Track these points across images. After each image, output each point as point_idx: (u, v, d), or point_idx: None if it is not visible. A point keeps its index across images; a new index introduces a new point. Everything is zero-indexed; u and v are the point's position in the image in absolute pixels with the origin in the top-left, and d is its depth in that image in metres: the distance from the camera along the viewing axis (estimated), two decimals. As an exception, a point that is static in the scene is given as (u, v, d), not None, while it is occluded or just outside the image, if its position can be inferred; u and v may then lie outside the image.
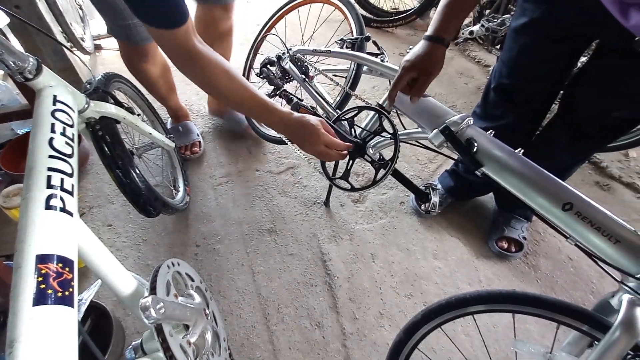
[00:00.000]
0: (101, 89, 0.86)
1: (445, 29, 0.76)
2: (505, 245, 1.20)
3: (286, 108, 0.81)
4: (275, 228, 1.22)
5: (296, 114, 0.80)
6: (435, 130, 0.77)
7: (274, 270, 1.11)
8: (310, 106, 0.98)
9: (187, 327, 0.62)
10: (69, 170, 0.56)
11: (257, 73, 1.18)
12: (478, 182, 1.22)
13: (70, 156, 0.58)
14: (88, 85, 0.90)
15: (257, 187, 1.35)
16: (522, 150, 0.69)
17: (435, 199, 0.95)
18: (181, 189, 1.24)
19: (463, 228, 1.28)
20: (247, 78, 1.46)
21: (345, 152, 0.84)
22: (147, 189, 0.88)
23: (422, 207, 0.94)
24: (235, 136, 1.54)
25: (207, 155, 1.45)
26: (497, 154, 0.70)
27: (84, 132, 0.84)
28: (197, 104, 1.67)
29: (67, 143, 0.59)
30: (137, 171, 0.86)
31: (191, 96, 1.71)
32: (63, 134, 0.60)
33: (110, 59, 1.95)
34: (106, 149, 0.82)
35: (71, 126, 0.63)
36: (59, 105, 0.63)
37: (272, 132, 1.35)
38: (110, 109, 0.83)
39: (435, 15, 0.78)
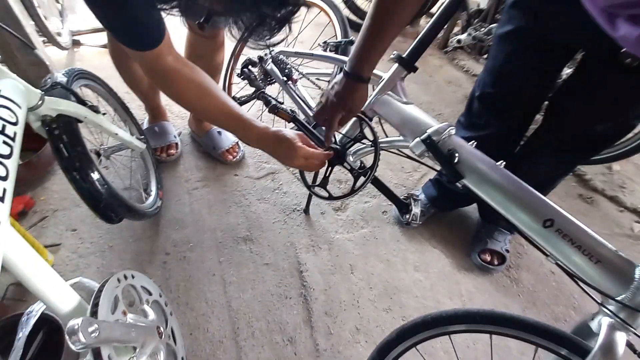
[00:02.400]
0: (61, 86, 0.80)
1: (362, 68, 0.71)
2: (488, 258, 1.17)
3: (264, 110, 0.79)
4: (251, 236, 1.17)
5: (273, 128, 0.78)
6: (417, 139, 0.74)
7: (247, 280, 1.06)
8: (290, 109, 0.94)
9: (135, 348, 0.56)
10: (3, 173, 0.50)
11: (238, 73, 1.14)
12: (461, 193, 1.18)
13: (6, 157, 0.52)
14: (48, 81, 0.84)
15: (234, 193, 1.29)
16: (504, 163, 0.66)
17: (416, 209, 0.92)
18: (153, 192, 1.18)
19: (445, 239, 1.24)
20: (229, 79, 1.41)
21: (325, 161, 0.82)
22: (109, 193, 0.82)
23: (403, 218, 0.90)
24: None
25: (184, 158, 1.39)
26: (479, 166, 0.67)
27: (40, 131, 0.78)
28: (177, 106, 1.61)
29: (4, 142, 0.53)
30: (98, 174, 0.81)
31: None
32: (2, 132, 0.54)
33: (90, 55, 1.87)
34: (63, 149, 0.76)
35: (13, 124, 0.57)
36: (0, 101, 0.57)
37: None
38: (68, 107, 0.77)
39: (353, 49, 0.72)
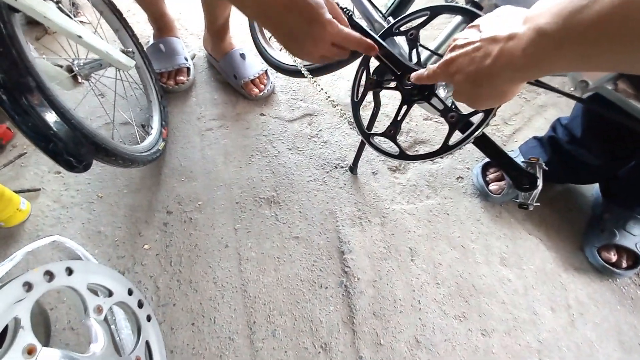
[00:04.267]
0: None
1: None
2: (614, 258, 0.81)
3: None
4: (278, 197, 0.88)
5: None
6: None
7: (269, 258, 0.79)
8: (344, 8, 0.56)
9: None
10: None
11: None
12: (587, 163, 0.79)
13: None
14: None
15: (259, 138, 0.98)
16: None
17: (540, 184, 0.56)
18: (154, 130, 0.89)
19: (548, 223, 0.88)
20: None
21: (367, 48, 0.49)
22: (63, 126, 0.54)
23: (520, 197, 0.56)
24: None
25: (197, 89, 1.08)
26: None
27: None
28: (192, 20, 1.25)
29: None
30: (41, 97, 0.51)
31: (184, 11, 1.28)
32: None
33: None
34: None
35: None
36: None
37: (284, 58, 0.94)
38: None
39: None
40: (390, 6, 0.65)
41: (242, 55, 1.05)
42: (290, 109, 1.05)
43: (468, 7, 0.48)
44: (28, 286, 0.32)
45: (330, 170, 0.93)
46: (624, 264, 0.81)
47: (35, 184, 0.86)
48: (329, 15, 0.45)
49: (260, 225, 0.83)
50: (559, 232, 0.87)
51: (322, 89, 0.71)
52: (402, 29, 0.56)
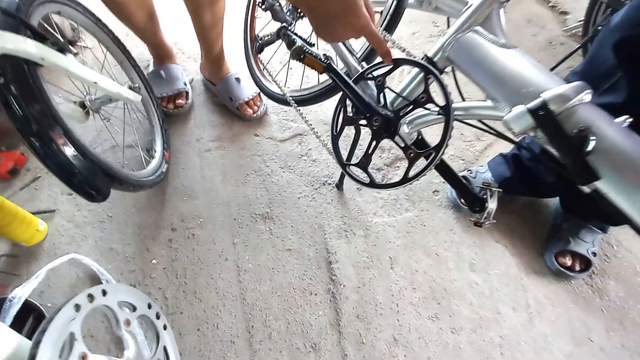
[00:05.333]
0: (4, 13, 0.56)
1: None
2: (568, 262, 0.92)
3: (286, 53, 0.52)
4: (272, 213, 0.97)
5: None
6: (520, 108, 0.47)
7: (265, 269, 0.89)
8: (325, 55, 0.66)
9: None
10: None
11: (259, 1, 0.84)
12: (546, 179, 0.90)
13: None
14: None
15: (254, 158, 1.07)
16: None
17: (492, 205, 0.66)
18: (158, 154, 0.99)
19: (513, 232, 0.99)
20: (252, 11, 1.09)
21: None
22: (84, 163, 0.63)
23: (473, 217, 0.66)
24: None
25: (195, 111, 1.17)
26: (634, 166, 0.40)
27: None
28: (190, 44, 1.34)
29: None
30: (66, 139, 0.60)
31: (181, 36, 1.37)
32: None
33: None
34: (13, 104, 0.55)
35: None
36: None
37: (276, 89, 1.04)
38: (17, 44, 0.54)
39: None
40: (363, 53, 0.74)
41: (237, 79, 1.14)
42: (282, 130, 1.14)
43: (422, 62, 0.58)
44: (77, 307, 0.41)
45: (319, 187, 1.03)
46: (577, 268, 0.92)
47: (50, 205, 0.94)
48: (364, 9, 0.49)
49: (256, 239, 0.93)
50: (523, 240, 0.98)
51: (307, 120, 0.81)
52: (373, 74, 0.66)
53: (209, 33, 1.03)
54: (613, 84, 0.69)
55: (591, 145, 0.41)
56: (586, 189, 0.43)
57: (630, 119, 0.43)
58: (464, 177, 1.03)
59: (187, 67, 1.27)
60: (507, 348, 0.83)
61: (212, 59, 1.12)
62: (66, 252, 0.85)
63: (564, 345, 0.85)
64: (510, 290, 0.90)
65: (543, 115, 0.45)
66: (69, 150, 0.61)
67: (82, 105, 0.81)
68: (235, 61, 1.27)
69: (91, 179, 0.64)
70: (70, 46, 0.74)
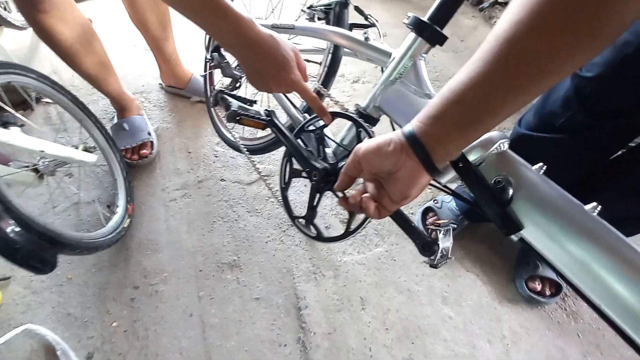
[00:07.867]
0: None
1: (437, 141, 0.38)
2: (538, 287, 0.92)
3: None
4: (239, 261, 0.95)
5: (264, 29, 0.52)
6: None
7: (231, 322, 0.86)
8: (266, 110, 0.67)
9: None
10: None
11: (207, 59, 0.87)
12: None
13: None
14: None
15: (220, 204, 1.07)
16: (599, 207, 0.39)
17: (446, 244, 0.66)
18: (120, 209, 0.97)
19: (483, 260, 0.99)
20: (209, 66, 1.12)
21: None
22: (27, 237, 0.61)
23: (428, 261, 0.65)
24: (201, 131, 1.24)
25: (161, 160, 1.16)
26: (553, 212, 0.40)
27: None
28: (154, 92, 1.36)
29: None
30: (10, 212, 0.59)
31: (147, 85, 1.39)
32: None
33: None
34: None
35: None
36: None
37: (232, 137, 1.05)
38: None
39: (433, 101, 0.38)
40: (306, 104, 0.76)
41: (204, 77, 1.15)
42: (248, 172, 1.14)
43: (353, 115, 0.59)
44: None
45: (287, 229, 1.02)
46: (547, 292, 0.92)
47: (6, 273, 0.91)
48: (296, 69, 0.55)
49: (222, 290, 0.90)
50: (494, 267, 0.98)
51: (260, 171, 0.82)
52: (315, 125, 0.67)
53: (161, 43, 1.15)
54: (572, 123, 0.71)
55: (510, 194, 0.42)
56: (514, 237, 0.43)
57: (545, 167, 0.44)
58: (428, 208, 1.04)
59: (153, 116, 1.27)
60: (485, 385, 0.80)
61: (172, 67, 1.24)
62: (21, 323, 0.81)
63: (543, 376, 0.83)
64: (484, 321, 0.89)
65: (462, 167, 0.46)
66: (9, 227, 0.59)
67: (35, 170, 0.80)
68: (189, 64, 1.31)
69: (35, 252, 0.62)
70: (18, 116, 0.74)
